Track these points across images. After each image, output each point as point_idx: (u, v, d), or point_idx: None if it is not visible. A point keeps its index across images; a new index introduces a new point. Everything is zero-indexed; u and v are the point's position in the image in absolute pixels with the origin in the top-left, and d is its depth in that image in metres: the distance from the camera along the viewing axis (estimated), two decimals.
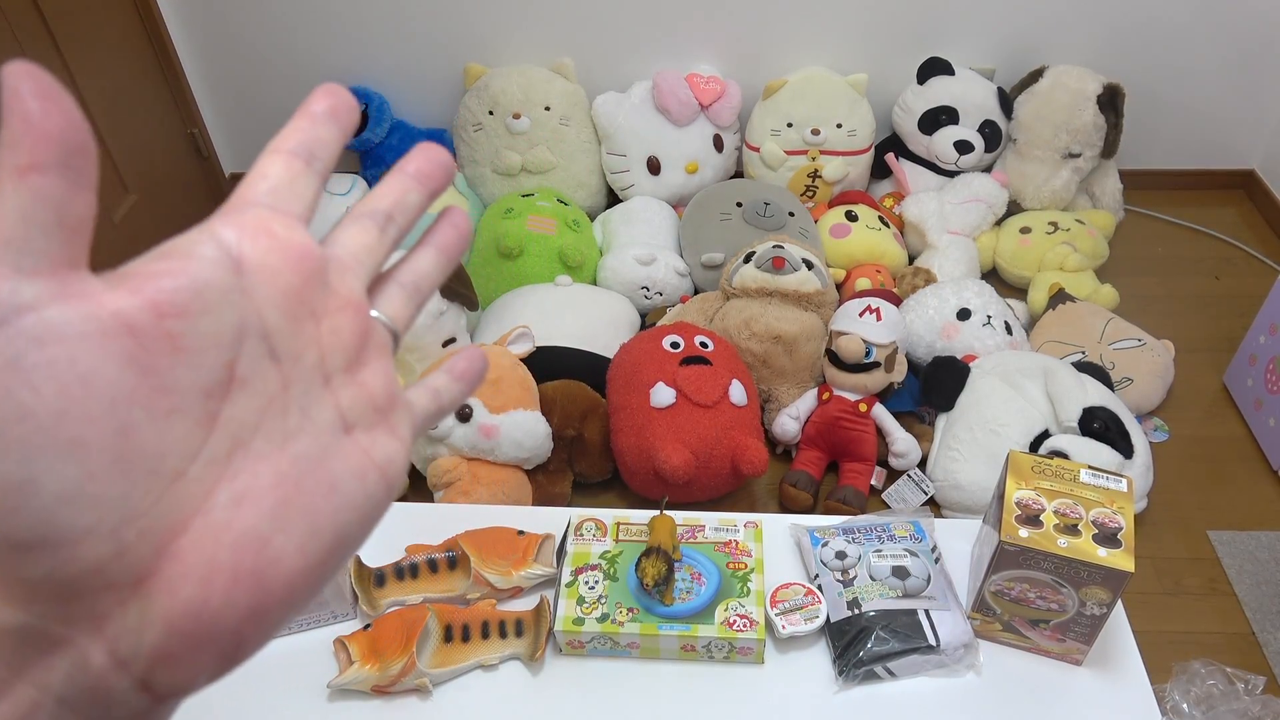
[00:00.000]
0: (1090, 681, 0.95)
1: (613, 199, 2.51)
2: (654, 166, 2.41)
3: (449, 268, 0.32)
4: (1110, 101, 2.33)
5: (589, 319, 2.01)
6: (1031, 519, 0.90)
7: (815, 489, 1.83)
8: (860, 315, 1.83)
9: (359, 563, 1.03)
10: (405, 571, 1.04)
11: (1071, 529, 0.89)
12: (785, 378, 1.93)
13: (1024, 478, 0.94)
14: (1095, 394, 1.77)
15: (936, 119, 2.38)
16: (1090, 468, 0.95)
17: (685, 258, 2.26)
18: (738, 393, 1.76)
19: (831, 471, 1.91)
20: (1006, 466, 0.95)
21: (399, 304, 0.30)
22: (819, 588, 1.01)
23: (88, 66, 2.17)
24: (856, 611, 0.97)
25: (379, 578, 1.03)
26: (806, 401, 1.88)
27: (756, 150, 2.44)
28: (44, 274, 0.22)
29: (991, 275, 2.38)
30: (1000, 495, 0.94)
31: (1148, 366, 1.99)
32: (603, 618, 0.96)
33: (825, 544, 1.05)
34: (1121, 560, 0.87)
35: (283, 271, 0.25)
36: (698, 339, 1.83)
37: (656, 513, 1.05)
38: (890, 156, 2.48)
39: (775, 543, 1.08)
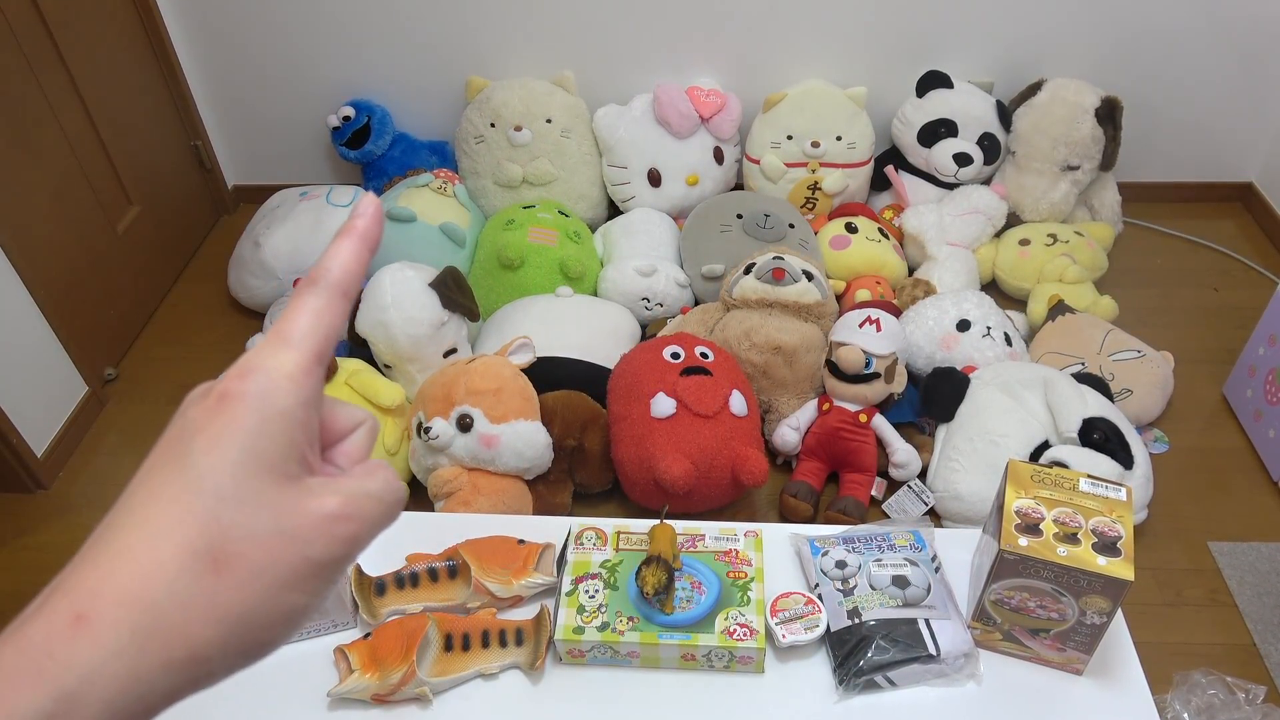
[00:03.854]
0: (1091, 691, 0.95)
1: (613, 211, 2.52)
2: (654, 178, 2.42)
3: (371, 257, 0.35)
4: (1108, 114, 2.34)
5: (590, 330, 2.01)
6: (1031, 528, 0.90)
7: (815, 500, 1.83)
8: (860, 326, 1.84)
9: (359, 571, 1.03)
10: (406, 580, 1.04)
11: (1071, 538, 0.89)
12: (785, 388, 1.94)
13: (1023, 487, 0.94)
14: (1095, 405, 1.77)
15: (935, 132, 2.40)
16: (1089, 477, 0.95)
17: (685, 269, 2.26)
18: (738, 403, 1.76)
19: (832, 482, 1.91)
20: (1006, 475, 0.96)
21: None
22: (819, 597, 1.01)
23: (92, 79, 2.19)
24: (856, 621, 0.97)
25: (379, 586, 1.03)
26: (807, 412, 1.88)
27: (756, 162, 2.45)
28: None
29: (991, 287, 2.38)
30: (1000, 504, 0.94)
31: (1147, 378, 1.99)
32: (603, 626, 0.96)
33: (825, 553, 1.05)
34: (1121, 569, 0.87)
35: None
36: (698, 349, 1.83)
37: (657, 522, 1.06)
38: (890, 169, 2.49)
39: (775, 552, 1.08)
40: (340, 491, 0.31)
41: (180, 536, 0.28)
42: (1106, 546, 0.88)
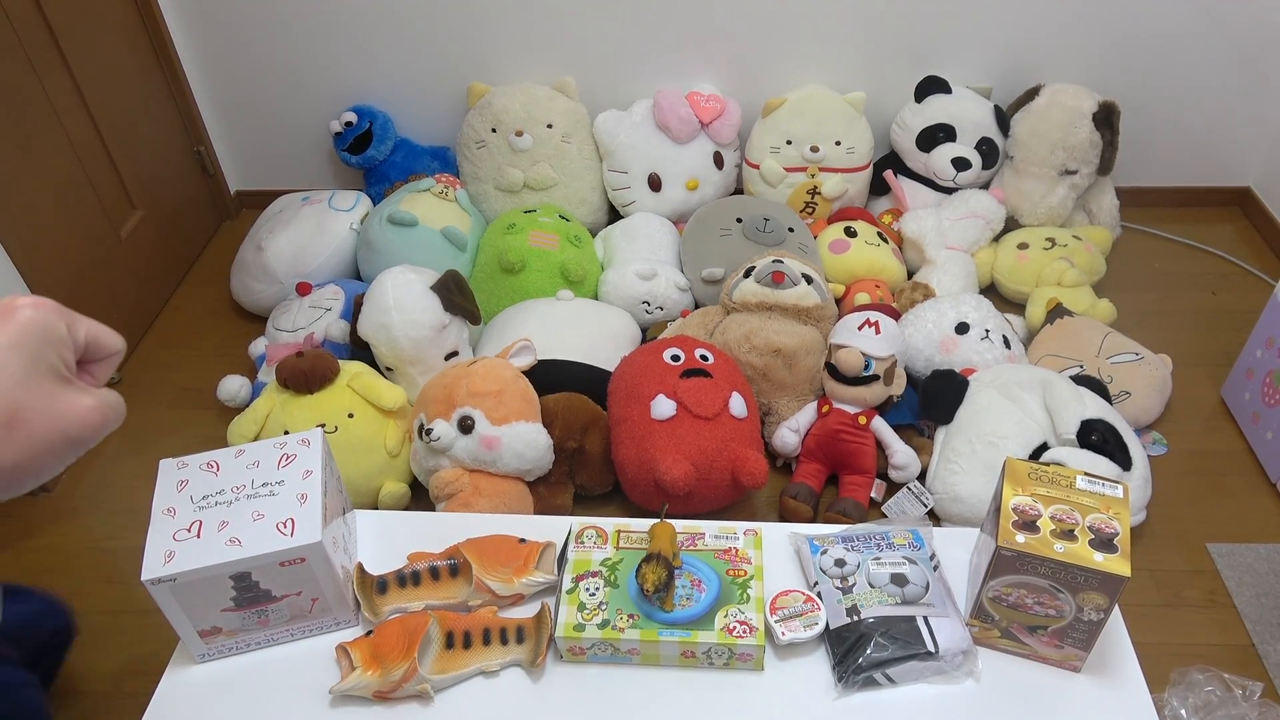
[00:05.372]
0: (1089, 688, 0.95)
1: (614, 215, 2.54)
2: (655, 183, 2.43)
3: None
4: (1106, 119, 2.36)
5: (590, 333, 2.02)
6: (1028, 524, 0.91)
7: (815, 501, 1.84)
8: (859, 329, 1.85)
9: (361, 570, 1.04)
10: (407, 579, 1.04)
11: (1068, 534, 0.90)
12: (785, 391, 1.94)
13: (1021, 484, 0.95)
14: (1093, 407, 1.78)
15: (934, 136, 2.41)
16: (1086, 474, 0.95)
17: (686, 273, 2.28)
18: (738, 405, 1.77)
19: (831, 484, 1.91)
20: (1003, 473, 0.96)
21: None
22: (818, 595, 1.01)
23: (96, 83, 2.21)
24: (855, 618, 0.98)
25: (381, 585, 1.04)
26: (806, 414, 1.89)
27: (756, 167, 2.47)
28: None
29: (990, 291, 2.39)
30: (997, 502, 0.95)
31: (1145, 380, 2.00)
32: (603, 624, 0.97)
33: (824, 552, 1.06)
34: (1118, 565, 0.87)
35: None
36: (698, 352, 1.84)
37: (657, 520, 1.06)
38: (889, 173, 2.51)
39: (775, 550, 1.09)
40: (95, 395, 0.46)
41: None
42: (1103, 543, 0.89)
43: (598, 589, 1.00)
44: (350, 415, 1.77)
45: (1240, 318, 2.28)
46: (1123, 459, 1.71)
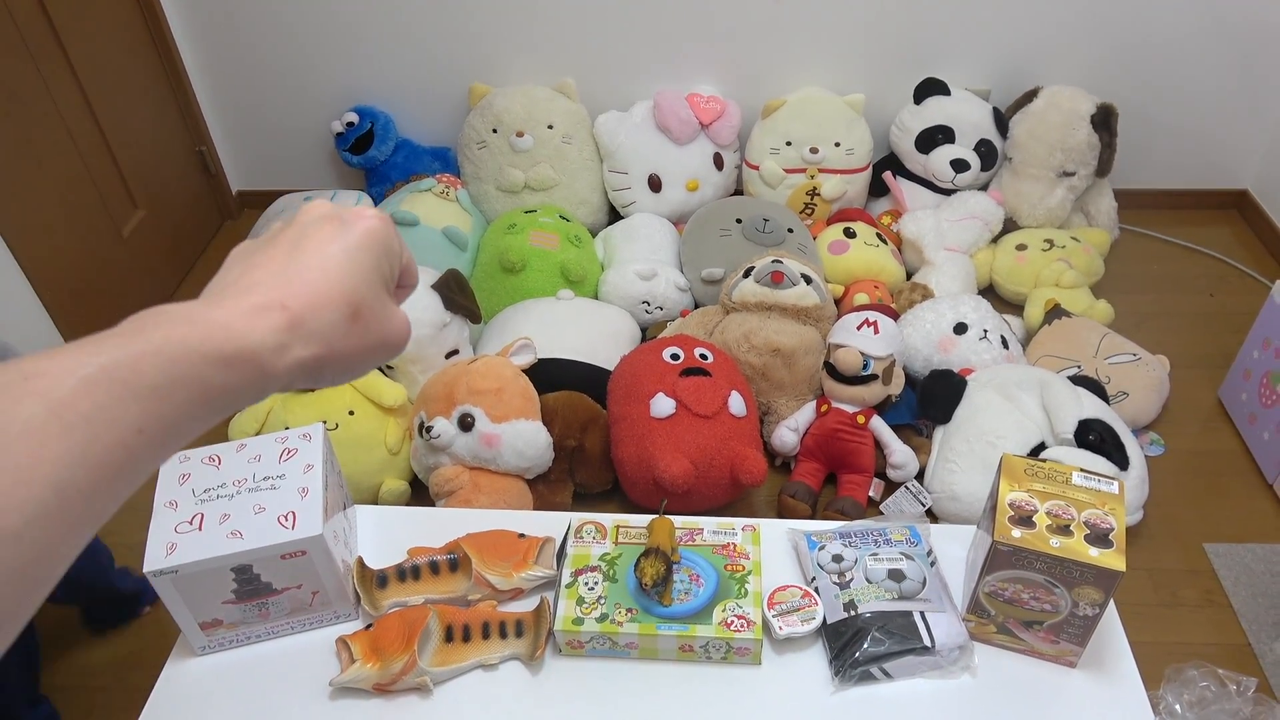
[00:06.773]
0: (1084, 683, 0.96)
1: (614, 216, 2.54)
2: (655, 184, 2.44)
3: None
4: (1104, 121, 2.37)
5: (590, 332, 2.03)
6: (1024, 520, 0.92)
7: (814, 500, 1.84)
8: (858, 328, 1.85)
9: (361, 564, 1.05)
10: (407, 573, 1.05)
11: (1064, 529, 0.91)
12: (784, 390, 1.95)
13: (1017, 480, 0.95)
14: (1091, 407, 1.79)
15: (933, 138, 2.42)
16: (1082, 470, 0.96)
17: (685, 273, 2.28)
18: (737, 404, 1.78)
19: (830, 483, 1.92)
20: (1000, 469, 0.97)
21: None
22: (816, 590, 1.02)
23: (98, 84, 2.21)
24: (853, 613, 0.98)
25: (381, 579, 1.05)
26: (805, 414, 1.89)
27: (756, 168, 2.47)
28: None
29: (988, 292, 2.40)
30: (994, 498, 0.96)
31: (1143, 381, 2.01)
32: (602, 618, 0.97)
33: (822, 547, 1.06)
34: (1113, 560, 0.88)
35: None
36: (697, 351, 1.85)
37: (655, 515, 1.07)
38: (888, 175, 2.51)
39: (773, 546, 1.09)
40: (405, 314, 0.48)
41: (342, 289, 0.43)
42: (1099, 538, 0.90)
43: (596, 583, 1.01)
44: (351, 412, 1.77)
45: (1237, 319, 2.29)
46: (1120, 459, 1.72)
